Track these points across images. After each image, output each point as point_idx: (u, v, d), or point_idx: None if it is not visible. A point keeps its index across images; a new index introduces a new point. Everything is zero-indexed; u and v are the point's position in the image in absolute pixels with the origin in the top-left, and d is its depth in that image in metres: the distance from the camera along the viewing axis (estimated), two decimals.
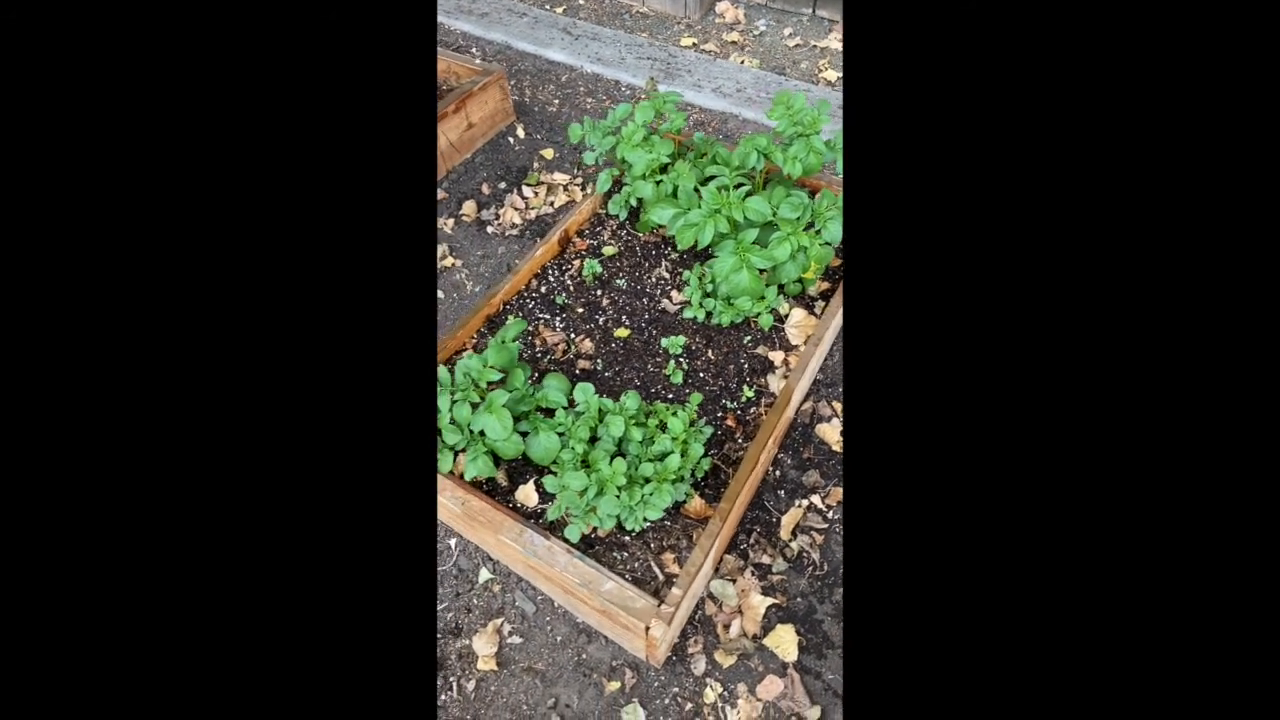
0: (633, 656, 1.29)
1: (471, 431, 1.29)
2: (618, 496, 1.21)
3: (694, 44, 2.68)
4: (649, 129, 1.75)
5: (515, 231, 2.05)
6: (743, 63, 2.57)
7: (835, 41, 2.63)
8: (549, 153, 2.29)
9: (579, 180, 2.19)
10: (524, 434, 1.32)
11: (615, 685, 1.26)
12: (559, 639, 1.32)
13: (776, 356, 1.57)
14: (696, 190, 1.63)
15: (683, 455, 1.27)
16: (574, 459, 1.26)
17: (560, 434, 1.30)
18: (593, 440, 1.32)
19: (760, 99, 2.39)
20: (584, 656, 1.30)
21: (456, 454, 1.33)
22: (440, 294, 1.91)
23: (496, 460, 1.36)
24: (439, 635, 1.34)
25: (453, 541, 1.44)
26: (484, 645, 1.32)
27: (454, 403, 1.29)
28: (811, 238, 1.50)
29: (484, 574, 1.40)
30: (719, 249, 1.54)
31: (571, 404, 1.37)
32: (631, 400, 1.33)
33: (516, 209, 2.12)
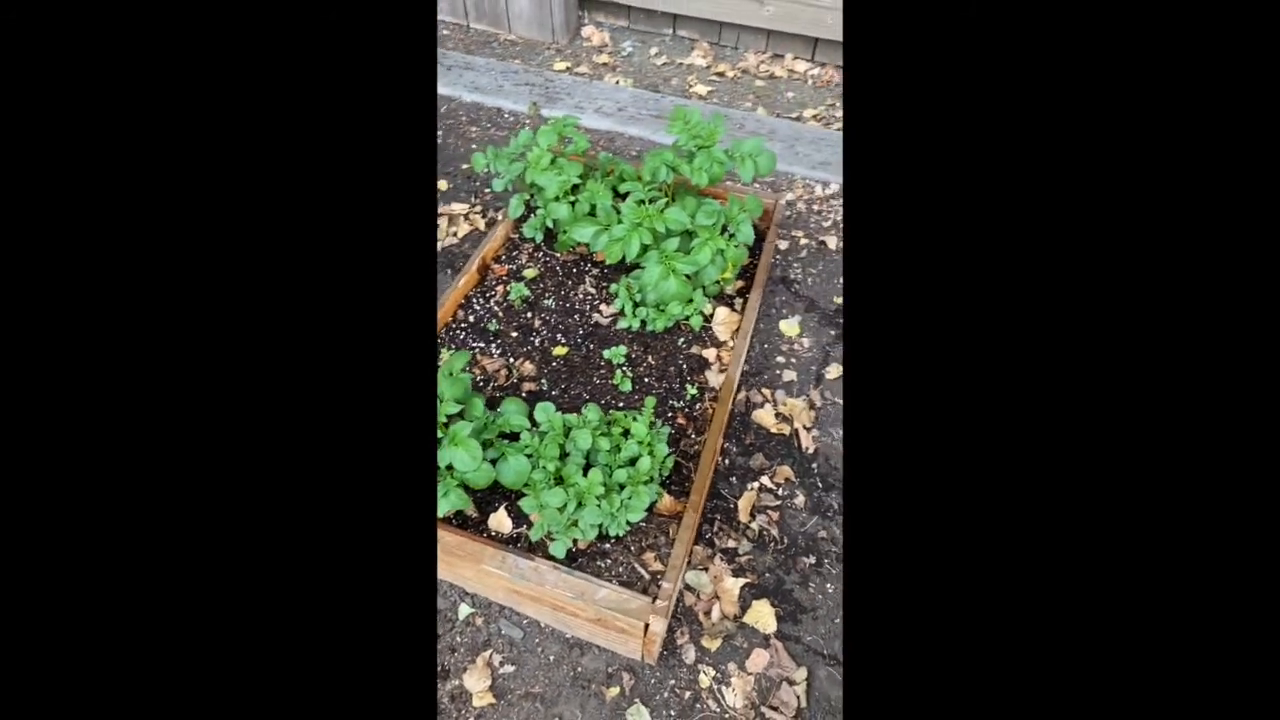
0: (627, 659, 1.33)
1: (438, 467, 1.28)
2: (598, 505, 1.24)
3: (568, 68, 2.76)
4: (554, 152, 1.80)
5: None
6: (618, 83, 2.68)
7: (699, 59, 2.81)
8: (443, 184, 2.27)
9: (478, 208, 2.19)
10: (492, 462, 1.32)
11: (615, 691, 1.29)
12: (552, 658, 1.33)
13: (710, 354, 1.67)
14: (615, 207, 1.70)
15: (651, 456, 1.33)
16: (547, 478, 1.28)
17: (528, 455, 1.32)
18: (561, 457, 1.35)
19: (642, 116, 2.51)
20: (580, 670, 1.32)
21: None
22: None
23: (467, 491, 1.34)
24: None
25: None
26: (476, 681, 1.30)
27: None
28: (727, 241, 1.62)
29: (464, 610, 1.38)
30: (644, 260, 1.62)
31: (534, 425, 1.39)
32: (592, 412, 1.37)
33: None
